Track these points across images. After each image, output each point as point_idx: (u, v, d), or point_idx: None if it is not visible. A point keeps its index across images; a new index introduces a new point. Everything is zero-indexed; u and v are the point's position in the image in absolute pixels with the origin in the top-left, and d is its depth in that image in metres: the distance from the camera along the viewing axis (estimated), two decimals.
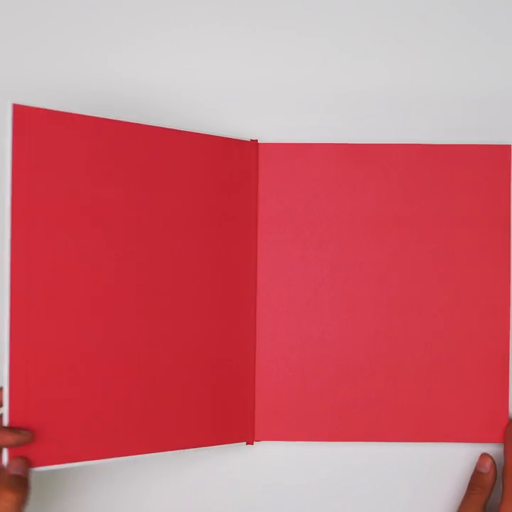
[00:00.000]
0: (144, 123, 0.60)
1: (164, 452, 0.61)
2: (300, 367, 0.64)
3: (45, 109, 0.56)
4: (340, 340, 0.64)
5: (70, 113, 0.57)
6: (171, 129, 0.61)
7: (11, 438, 0.52)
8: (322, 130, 0.66)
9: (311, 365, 0.64)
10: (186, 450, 0.62)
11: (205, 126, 0.66)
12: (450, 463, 0.65)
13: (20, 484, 0.52)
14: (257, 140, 0.65)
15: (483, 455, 0.63)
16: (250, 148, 0.64)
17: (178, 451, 0.61)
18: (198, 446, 0.62)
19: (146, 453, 0.60)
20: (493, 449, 0.65)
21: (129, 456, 0.59)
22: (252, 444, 0.64)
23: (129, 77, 0.66)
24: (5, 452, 0.53)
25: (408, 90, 0.67)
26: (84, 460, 0.57)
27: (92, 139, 0.58)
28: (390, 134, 0.66)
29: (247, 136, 0.65)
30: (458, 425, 0.64)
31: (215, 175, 0.64)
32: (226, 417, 0.63)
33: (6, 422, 0.53)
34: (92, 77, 0.66)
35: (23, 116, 0.55)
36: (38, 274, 0.57)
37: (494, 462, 0.63)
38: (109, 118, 0.59)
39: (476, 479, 0.63)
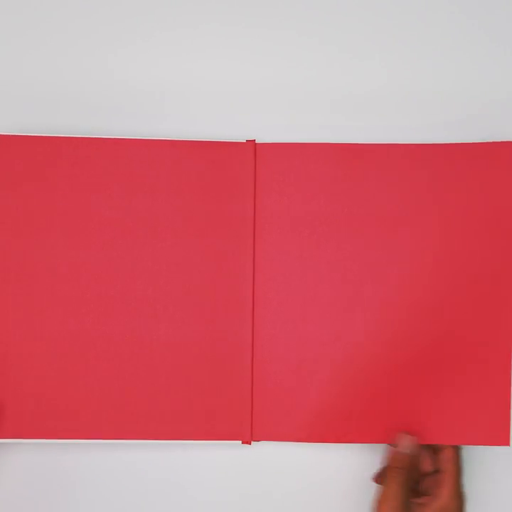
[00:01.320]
0: (142, 136, 0.64)
1: (156, 441, 0.64)
2: (298, 367, 0.65)
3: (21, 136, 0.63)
4: (339, 341, 0.64)
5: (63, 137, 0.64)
6: (165, 140, 0.64)
7: None
8: (321, 130, 0.66)
9: (309, 366, 0.64)
10: (178, 442, 0.64)
11: (204, 125, 0.66)
12: None
13: None
14: (254, 140, 0.65)
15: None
16: (248, 149, 0.64)
17: (170, 441, 0.64)
18: (189, 439, 0.64)
19: (136, 439, 0.63)
20: (493, 450, 0.65)
21: (120, 440, 0.64)
22: (250, 443, 0.64)
23: (128, 77, 0.66)
24: None
25: (408, 90, 0.66)
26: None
27: (79, 158, 0.64)
28: (389, 134, 0.66)
29: (244, 136, 0.66)
30: (459, 427, 0.64)
31: (213, 176, 0.64)
32: (223, 415, 0.64)
33: None
34: (91, 77, 0.66)
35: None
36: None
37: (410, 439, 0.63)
38: (105, 137, 0.64)
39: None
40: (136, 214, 0.64)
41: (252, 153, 0.64)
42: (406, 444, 0.62)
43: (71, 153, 0.63)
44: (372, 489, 0.65)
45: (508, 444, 0.64)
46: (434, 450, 0.64)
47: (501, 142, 0.64)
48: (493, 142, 0.64)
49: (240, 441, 0.64)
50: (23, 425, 0.63)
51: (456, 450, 0.63)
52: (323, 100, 0.66)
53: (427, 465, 0.63)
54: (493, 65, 0.66)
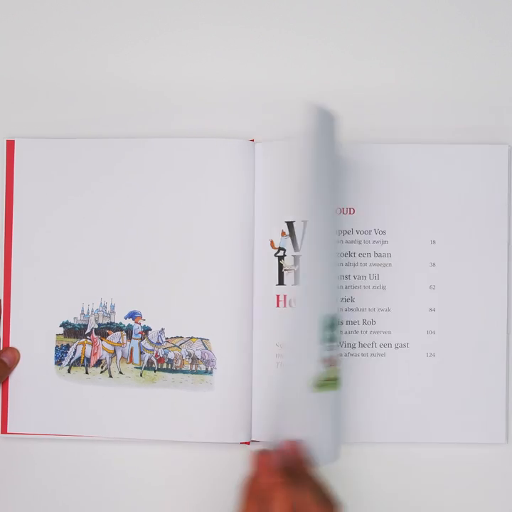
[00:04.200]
0: (141, 135, 0.65)
1: (156, 440, 0.64)
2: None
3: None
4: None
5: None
6: (165, 139, 0.64)
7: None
8: None
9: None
10: (178, 442, 0.64)
11: (203, 125, 0.66)
12: (450, 463, 0.65)
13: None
14: (253, 140, 0.65)
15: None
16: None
17: (169, 440, 0.64)
18: (190, 440, 0.64)
19: (136, 437, 0.64)
20: (492, 449, 0.65)
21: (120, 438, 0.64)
22: (249, 443, 0.64)
23: (128, 77, 0.66)
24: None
25: (407, 91, 0.66)
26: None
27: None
28: (387, 134, 0.66)
29: (244, 136, 0.66)
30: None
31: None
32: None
33: None
34: (91, 77, 0.66)
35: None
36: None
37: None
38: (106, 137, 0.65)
39: None
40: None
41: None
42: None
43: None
44: (373, 489, 0.65)
45: (504, 441, 0.64)
46: None
47: (496, 146, 0.65)
48: (489, 145, 0.65)
49: (240, 442, 0.64)
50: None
51: None
52: (323, 100, 0.66)
53: None
54: (493, 65, 0.66)
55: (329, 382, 0.54)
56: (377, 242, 0.65)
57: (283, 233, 0.65)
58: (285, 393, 0.54)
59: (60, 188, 0.65)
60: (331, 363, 0.53)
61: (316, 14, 0.67)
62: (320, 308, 0.53)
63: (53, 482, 0.66)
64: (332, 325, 0.54)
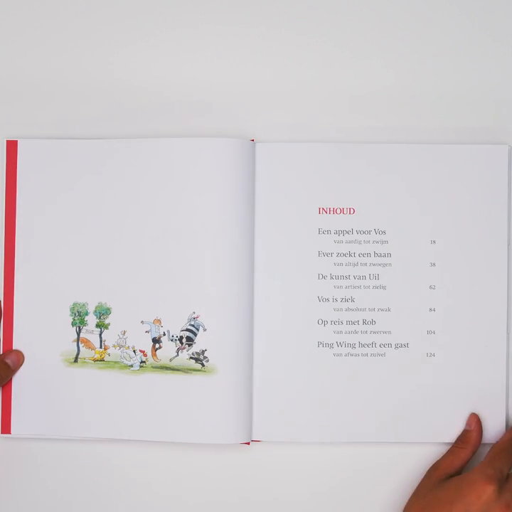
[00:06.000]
0: (141, 135, 0.65)
1: (154, 441, 0.64)
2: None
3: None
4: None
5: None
6: (165, 139, 0.64)
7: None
8: (320, 130, 0.66)
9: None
10: (177, 442, 0.64)
11: (203, 125, 0.66)
12: None
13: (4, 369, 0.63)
14: (253, 139, 0.65)
15: (472, 415, 0.64)
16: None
17: (168, 441, 0.64)
18: (189, 441, 0.63)
19: (134, 438, 0.64)
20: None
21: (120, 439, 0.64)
22: (249, 444, 0.64)
23: (128, 77, 0.66)
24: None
25: (407, 90, 0.66)
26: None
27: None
28: (388, 134, 0.66)
29: (244, 136, 0.66)
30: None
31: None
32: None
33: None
34: (91, 77, 0.66)
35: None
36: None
37: (480, 421, 0.64)
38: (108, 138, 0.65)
39: (461, 435, 0.64)
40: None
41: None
42: (471, 423, 0.64)
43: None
44: (373, 489, 0.65)
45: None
46: None
47: (495, 146, 0.65)
48: (488, 145, 0.65)
49: (241, 443, 0.64)
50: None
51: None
52: (323, 100, 0.66)
53: None
54: (493, 65, 0.66)
55: (88, 360, 0.64)
56: (377, 242, 0.65)
57: None
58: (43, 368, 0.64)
59: (63, 188, 0.65)
60: (85, 344, 0.64)
61: (316, 14, 0.67)
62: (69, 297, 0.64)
63: (54, 483, 0.66)
64: (80, 312, 0.64)
